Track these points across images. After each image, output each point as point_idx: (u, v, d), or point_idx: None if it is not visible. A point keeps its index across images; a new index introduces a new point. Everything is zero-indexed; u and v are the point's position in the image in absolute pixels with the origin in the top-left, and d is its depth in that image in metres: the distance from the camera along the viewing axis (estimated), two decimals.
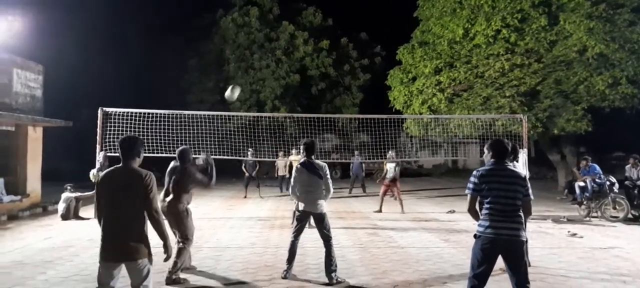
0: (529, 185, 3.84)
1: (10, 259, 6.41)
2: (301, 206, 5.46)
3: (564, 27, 14.39)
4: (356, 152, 16.97)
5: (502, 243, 3.62)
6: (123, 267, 3.37)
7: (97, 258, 6.44)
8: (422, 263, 6.31)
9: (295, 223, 5.60)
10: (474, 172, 3.84)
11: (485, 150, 3.98)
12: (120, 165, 3.43)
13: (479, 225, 3.77)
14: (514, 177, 3.76)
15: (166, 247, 3.45)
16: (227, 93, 9.28)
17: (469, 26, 16.16)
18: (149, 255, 3.36)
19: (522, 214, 3.73)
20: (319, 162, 5.50)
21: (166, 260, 3.51)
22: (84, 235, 8.27)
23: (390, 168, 11.47)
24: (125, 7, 25.86)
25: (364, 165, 16.90)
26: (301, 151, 5.60)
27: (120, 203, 3.31)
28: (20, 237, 8.14)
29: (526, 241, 3.75)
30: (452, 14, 17.03)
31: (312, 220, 5.58)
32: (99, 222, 3.42)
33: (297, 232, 5.52)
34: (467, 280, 3.81)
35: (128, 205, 3.30)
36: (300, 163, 5.52)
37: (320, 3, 28.20)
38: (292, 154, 15.26)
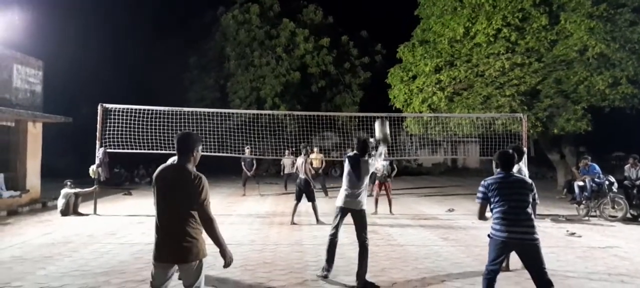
0: (535, 190, 4.14)
1: (10, 254, 6.43)
2: (340, 202, 5.36)
3: (564, 26, 14.38)
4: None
5: (513, 244, 3.92)
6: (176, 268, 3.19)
7: (96, 254, 6.52)
8: (421, 261, 6.32)
9: (334, 219, 5.44)
10: (482, 182, 4.11)
11: (493, 163, 4.28)
12: (175, 162, 3.27)
13: (492, 227, 4.04)
14: (521, 182, 4.04)
15: (224, 254, 3.20)
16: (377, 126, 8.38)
17: (470, 25, 16.14)
18: (203, 255, 3.17)
19: (532, 217, 3.97)
20: (367, 159, 5.32)
21: (226, 266, 3.25)
22: (83, 231, 8.29)
23: (379, 166, 11.12)
24: (126, 4, 25.88)
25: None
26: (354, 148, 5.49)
27: (172, 202, 3.12)
28: (20, 232, 8.16)
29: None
30: (453, 12, 17.01)
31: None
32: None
33: (336, 228, 5.39)
34: (485, 267, 4.10)
35: (179, 205, 3.10)
36: (348, 157, 5.39)
37: (321, 1, 28.13)
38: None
